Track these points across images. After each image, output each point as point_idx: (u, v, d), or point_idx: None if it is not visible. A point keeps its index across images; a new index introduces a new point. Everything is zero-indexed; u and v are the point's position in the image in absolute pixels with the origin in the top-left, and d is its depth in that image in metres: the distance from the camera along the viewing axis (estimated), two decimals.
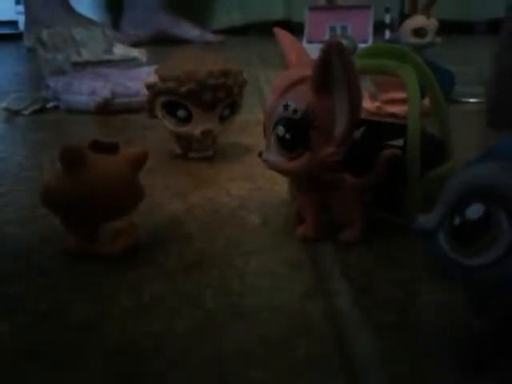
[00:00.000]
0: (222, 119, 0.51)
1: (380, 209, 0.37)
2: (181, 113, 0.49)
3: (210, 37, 1.79)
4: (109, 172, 0.31)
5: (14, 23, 1.92)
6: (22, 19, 1.77)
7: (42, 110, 0.76)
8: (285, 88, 0.32)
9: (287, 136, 0.32)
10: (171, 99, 0.48)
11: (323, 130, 0.31)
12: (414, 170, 0.35)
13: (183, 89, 0.46)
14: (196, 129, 0.49)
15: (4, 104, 0.74)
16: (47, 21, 1.41)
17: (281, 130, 0.32)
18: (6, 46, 1.79)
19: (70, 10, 1.55)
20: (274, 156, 0.33)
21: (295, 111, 0.31)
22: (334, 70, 0.30)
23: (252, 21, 2.03)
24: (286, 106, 0.32)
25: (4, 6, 1.91)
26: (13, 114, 0.74)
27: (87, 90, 0.74)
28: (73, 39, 0.97)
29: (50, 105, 0.78)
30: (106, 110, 0.73)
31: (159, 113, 0.50)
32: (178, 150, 0.53)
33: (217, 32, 1.89)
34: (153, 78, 0.48)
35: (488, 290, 0.20)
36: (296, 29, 1.78)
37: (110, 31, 1.05)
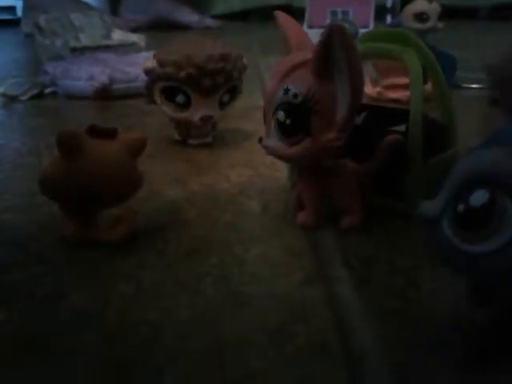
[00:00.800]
0: (222, 105, 0.50)
1: (382, 195, 0.37)
2: (180, 98, 0.48)
3: (209, 22, 1.78)
4: (107, 158, 0.31)
5: (11, 9, 1.90)
6: (19, 5, 1.75)
7: (39, 96, 0.76)
8: (285, 72, 0.32)
9: (287, 121, 0.31)
10: (170, 84, 0.48)
11: (324, 114, 0.31)
12: (416, 155, 0.34)
13: (182, 73, 0.46)
14: (195, 115, 0.49)
15: (1, 89, 0.73)
16: (45, 6, 1.40)
17: (281, 115, 0.31)
18: (4, 31, 1.77)
19: None
20: (274, 142, 0.32)
21: (295, 96, 0.31)
22: (335, 53, 0.29)
23: (252, 6, 2.01)
24: (286, 91, 0.31)
25: None
26: (10, 99, 0.73)
27: (85, 76, 0.73)
28: (71, 24, 0.96)
29: (47, 90, 0.77)
30: (105, 95, 0.73)
31: (158, 98, 0.49)
32: (177, 137, 0.53)
33: (216, 17, 1.88)
34: (151, 63, 0.47)
35: (494, 278, 0.20)
36: (297, 14, 1.77)
37: (109, 16, 1.04)
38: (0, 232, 0.35)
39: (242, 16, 2.02)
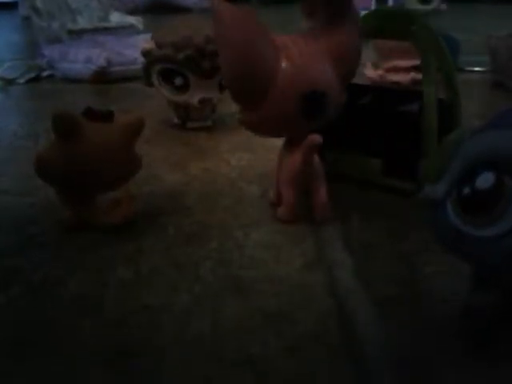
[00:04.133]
0: (222, 88, 0.49)
1: (391, 176, 0.36)
2: (178, 80, 0.47)
3: (208, 4, 1.75)
4: (104, 140, 0.30)
5: None
6: None
7: (37, 79, 0.75)
8: None
9: None
10: (168, 66, 0.47)
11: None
12: (431, 135, 0.34)
13: (181, 55, 0.45)
14: (194, 97, 0.48)
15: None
16: None
17: None
18: (1, 14, 1.75)
19: None
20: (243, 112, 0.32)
21: None
22: None
23: None
24: None
25: None
26: (7, 82, 0.72)
27: (83, 58, 0.73)
28: (68, 7, 0.95)
29: (45, 73, 0.76)
30: (102, 78, 0.72)
31: (156, 81, 0.49)
32: (176, 120, 0.52)
33: None
34: (149, 45, 0.47)
35: (501, 261, 0.19)
36: None
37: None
38: None
39: None
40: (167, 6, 1.72)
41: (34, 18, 0.93)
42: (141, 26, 0.98)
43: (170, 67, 0.47)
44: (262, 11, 1.63)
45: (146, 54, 0.47)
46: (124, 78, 0.72)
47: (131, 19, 0.98)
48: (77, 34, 0.87)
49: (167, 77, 0.48)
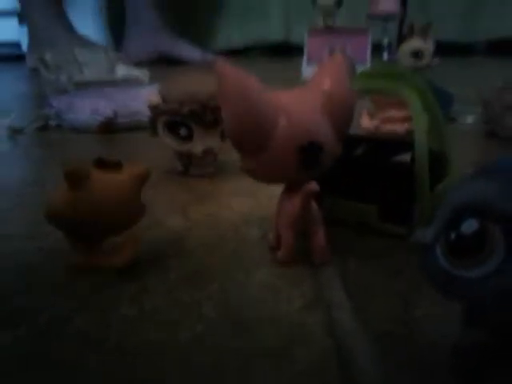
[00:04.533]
0: (223, 137, 0.51)
1: (387, 221, 0.38)
2: (183, 131, 0.50)
3: (210, 58, 1.81)
4: (113, 189, 0.32)
5: (16, 45, 1.94)
6: (24, 40, 1.79)
7: (44, 129, 0.77)
8: None
9: None
10: (173, 119, 0.49)
11: None
12: (424, 183, 0.36)
13: (185, 109, 0.47)
14: (197, 147, 0.50)
15: (7, 122, 0.75)
16: (50, 42, 1.44)
17: None
18: (9, 66, 1.81)
19: (72, 31, 1.57)
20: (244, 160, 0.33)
21: None
22: None
23: (251, 42, 2.06)
24: None
25: (6, 27, 1.94)
26: (16, 132, 0.75)
27: (90, 109, 0.75)
28: (75, 60, 0.99)
29: (52, 123, 0.79)
30: (109, 128, 0.74)
31: (161, 131, 0.51)
32: (180, 167, 0.54)
33: (217, 53, 1.92)
34: (155, 99, 0.49)
35: (487, 300, 0.21)
36: (295, 50, 1.81)
37: (113, 52, 1.07)
38: (5, 259, 0.36)
39: (242, 52, 2.06)
40: (170, 60, 1.78)
41: (42, 70, 0.97)
42: (146, 79, 1.01)
43: (175, 119, 0.49)
44: (260, 64, 1.68)
45: (152, 107, 0.50)
46: (129, 128, 0.75)
47: (137, 72, 1.01)
48: (84, 86, 0.91)
49: (172, 128, 0.50)
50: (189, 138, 0.50)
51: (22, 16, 1.67)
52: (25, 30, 1.73)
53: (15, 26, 1.93)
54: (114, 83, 0.95)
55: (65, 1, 1.63)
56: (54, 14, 1.55)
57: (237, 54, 2.04)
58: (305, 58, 1.12)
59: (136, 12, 1.76)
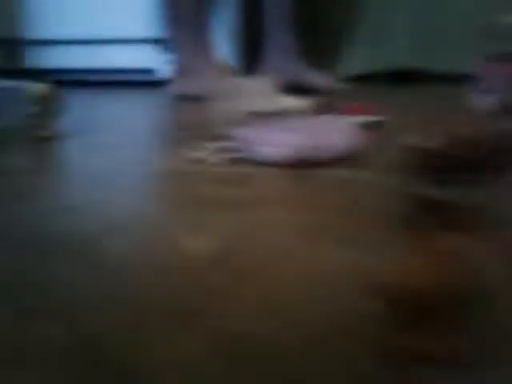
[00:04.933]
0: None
1: None
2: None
3: (337, 85, 1.78)
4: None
5: (149, 71, 2.01)
6: (161, 67, 1.86)
7: (233, 162, 0.76)
8: None
9: None
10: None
11: None
12: None
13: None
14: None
15: (198, 154, 0.75)
16: (196, 71, 1.47)
17: None
18: (147, 93, 1.86)
19: (215, 61, 1.59)
20: None
21: None
22: None
23: (379, 68, 2.01)
24: None
25: (141, 54, 2.01)
26: (199, 162, 0.74)
27: (279, 142, 0.73)
28: (242, 89, 0.98)
29: (236, 156, 0.77)
30: (299, 163, 0.72)
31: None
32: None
33: (345, 80, 1.88)
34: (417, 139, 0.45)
35: None
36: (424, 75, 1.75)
37: (274, 81, 1.06)
38: None
39: (367, 78, 2.02)
40: (299, 87, 1.77)
41: (212, 100, 0.97)
42: (309, 109, 0.99)
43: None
44: (389, 90, 1.62)
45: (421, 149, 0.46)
46: (318, 164, 0.72)
47: (301, 101, 0.99)
48: (256, 116, 0.90)
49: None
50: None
51: (165, 44, 1.71)
52: (162, 57, 1.78)
53: (149, 53, 2.00)
54: (281, 113, 0.94)
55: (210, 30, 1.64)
56: (201, 44, 1.58)
57: (362, 80, 2.00)
58: (476, 87, 1.05)
59: (275, 37, 1.76)
